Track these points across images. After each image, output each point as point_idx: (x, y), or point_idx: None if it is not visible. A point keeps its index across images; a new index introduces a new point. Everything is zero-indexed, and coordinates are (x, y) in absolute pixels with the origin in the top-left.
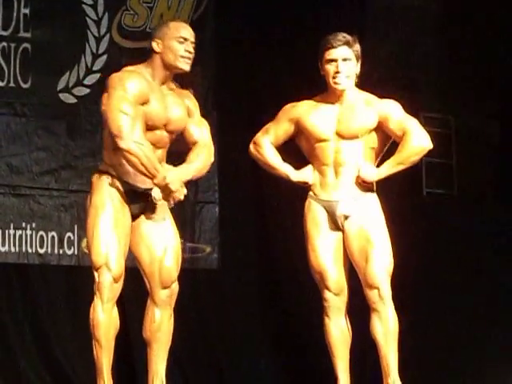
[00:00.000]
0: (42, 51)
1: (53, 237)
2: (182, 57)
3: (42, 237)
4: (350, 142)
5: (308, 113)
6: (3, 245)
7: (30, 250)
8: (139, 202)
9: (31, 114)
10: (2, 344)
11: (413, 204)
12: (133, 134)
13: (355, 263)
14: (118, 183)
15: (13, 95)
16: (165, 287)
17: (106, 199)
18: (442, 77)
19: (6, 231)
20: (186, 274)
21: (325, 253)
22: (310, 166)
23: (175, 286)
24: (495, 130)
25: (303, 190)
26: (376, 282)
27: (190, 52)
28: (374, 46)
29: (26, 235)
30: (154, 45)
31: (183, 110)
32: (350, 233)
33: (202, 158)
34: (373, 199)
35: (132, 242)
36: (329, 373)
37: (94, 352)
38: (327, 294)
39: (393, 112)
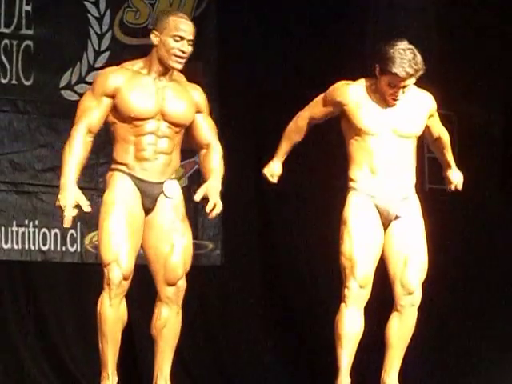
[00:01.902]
0: (45, 48)
1: (56, 234)
2: (175, 55)
3: (44, 234)
4: (404, 140)
5: (359, 103)
6: (6, 242)
7: (32, 247)
8: (152, 195)
9: (34, 112)
10: (5, 341)
11: None
12: (73, 128)
13: (390, 263)
14: (129, 179)
15: (15, 92)
16: (170, 284)
17: (118, 196)
18: (444, 72)
19: (9, 228)
20: (189, 271)
21: (362, 243)
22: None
23: (182, 284)
24: (498, 126)
25: (306, 185)
26: (412, 287)
27: (184, 52)
28: (376, 44)
29: (29, 232)
30: (152, 37)
31: (185, 104)
32: (395, 233)
33: (220, 166)
34: (417, 201)
35: (144, 238)
36: (332, 370)
37: (100, 346)
38: (352, 283)
39: (435, 111)
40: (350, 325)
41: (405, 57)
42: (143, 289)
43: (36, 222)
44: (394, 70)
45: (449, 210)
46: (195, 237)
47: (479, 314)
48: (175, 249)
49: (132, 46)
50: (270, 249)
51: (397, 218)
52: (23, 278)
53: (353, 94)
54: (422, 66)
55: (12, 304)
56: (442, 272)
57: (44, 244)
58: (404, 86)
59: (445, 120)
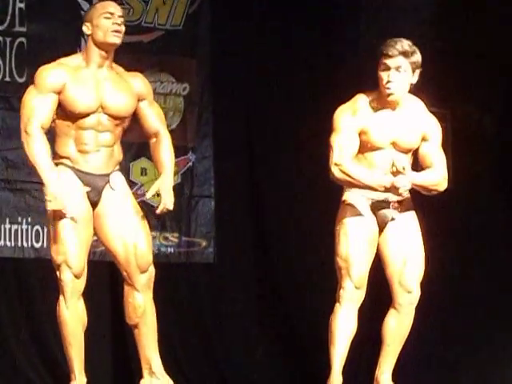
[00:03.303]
0: (38, 45)
1: (48, 231)
2: (112, 31)
3: (37, 231)
4: (401, 154)
5: (370, 120)
6: None
7: (25, 245)
8: (96, 188)
9: None
10: None
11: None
12: (28, 126)
13: (388, 264)
14: (72, 173)
15: (9, 90)
16: (143, 271)
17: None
18: (439, 71)
19: (2, 226)
20: (182, 268)
21: (359, 244)
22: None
23: (152, 269)
24: (493, 124)
25: (302, 183)
26: (411, 286)
27: (118, 24)
28: (371, 42)
29: (22, 230)
30: (85, 28)
31: (125, 95)
32: (391, 234)
33: (171, 157)
34: (412, 204)
35: (99, 232)
36: (325, 368)
37: (64, 349)
38: (348, 284)
39: (434, 138)
40: (344, 325)
41: (396, 40)
42: None
43: (29, 220)
44: (383, 50)
45: (445, 208)
46: (188, 234)
47: (477, 312)
48: (140, 236)
49: (125, 43)
50: (264, 246)
51: (392, 219)
52: (16, 275)
53: (362, 116)
54: (412, 50)
55: (4, 301)
56: (440, 271)
57: (37, 241)
58: (397, 68)
59: (440, 118)
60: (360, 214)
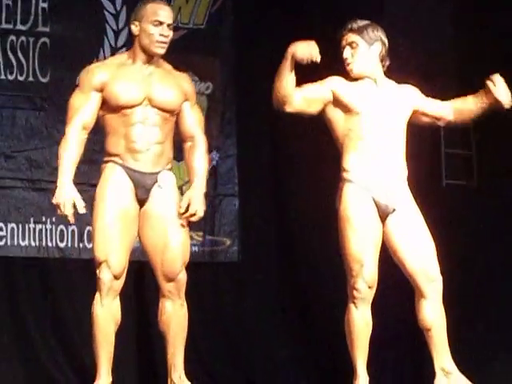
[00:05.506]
0: (61, 45)
1: (73, 231)
2: (157, 41)
3: (62, 231)
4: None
5: (346, 85)
6: (23, 239)
7: (50, 244)
8: (145, 186)
9: (50, 108)
10: (22, 338)
11: (432, 195)
12: (67, 126)
13: (405, 257)
14: (121, 171)
15: (32, 90)
16: (170, 280)
17: (109, 191)
18: (461, 68)
19: (26, 225)
20: (206, 267)
21: (368, 242)
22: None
23: (181, 277)
24: None
25: (326, 180)
26: (435, 275)
27: (165, 36)
28: (390, 36)
29: (46, 229)
30: (133, 27)
31: (173, 89)
32: (396, 226)
33: (205, 165)
34: (409, 191)
35: (140, 231)
36: (347, 364)
37: (93, 347)
38: (361, 285)
39: (421, 98)
40: (362, 325)
41: (350, 21)
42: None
43: (53, 219)
44: (339, 32)
45: (466, 204)
46: (212, 233)
47: (496, 308)
48: (171, 243)
49: None
50: (288, 245)
51: (394, 210)
52: (40, 275)
53: (342, 82)
54: (362, 24)
55: (29, 300)
56: (459, 266)
57: (61, 241)
58: (350, 44)
59: None
60: (365, 211)
